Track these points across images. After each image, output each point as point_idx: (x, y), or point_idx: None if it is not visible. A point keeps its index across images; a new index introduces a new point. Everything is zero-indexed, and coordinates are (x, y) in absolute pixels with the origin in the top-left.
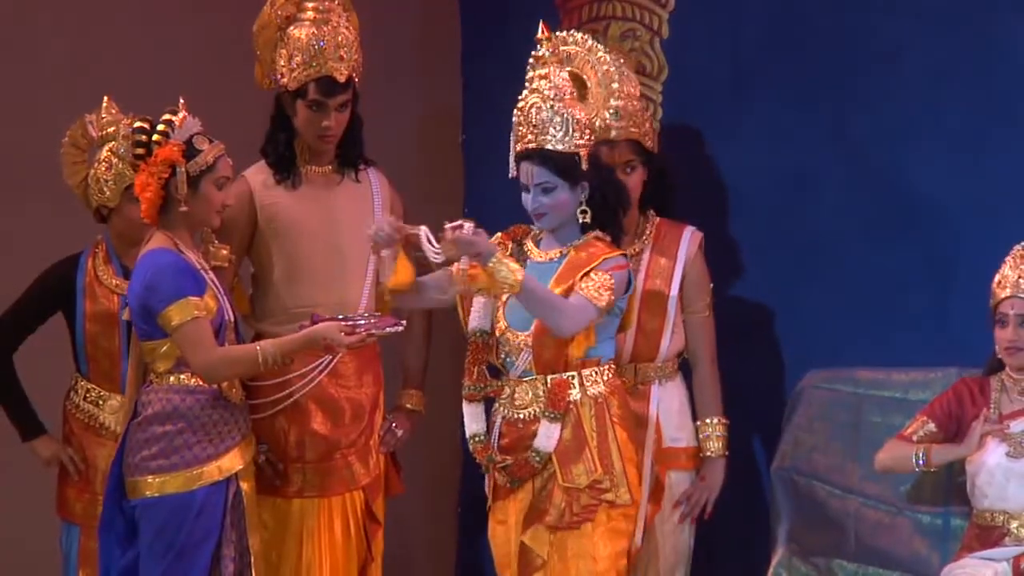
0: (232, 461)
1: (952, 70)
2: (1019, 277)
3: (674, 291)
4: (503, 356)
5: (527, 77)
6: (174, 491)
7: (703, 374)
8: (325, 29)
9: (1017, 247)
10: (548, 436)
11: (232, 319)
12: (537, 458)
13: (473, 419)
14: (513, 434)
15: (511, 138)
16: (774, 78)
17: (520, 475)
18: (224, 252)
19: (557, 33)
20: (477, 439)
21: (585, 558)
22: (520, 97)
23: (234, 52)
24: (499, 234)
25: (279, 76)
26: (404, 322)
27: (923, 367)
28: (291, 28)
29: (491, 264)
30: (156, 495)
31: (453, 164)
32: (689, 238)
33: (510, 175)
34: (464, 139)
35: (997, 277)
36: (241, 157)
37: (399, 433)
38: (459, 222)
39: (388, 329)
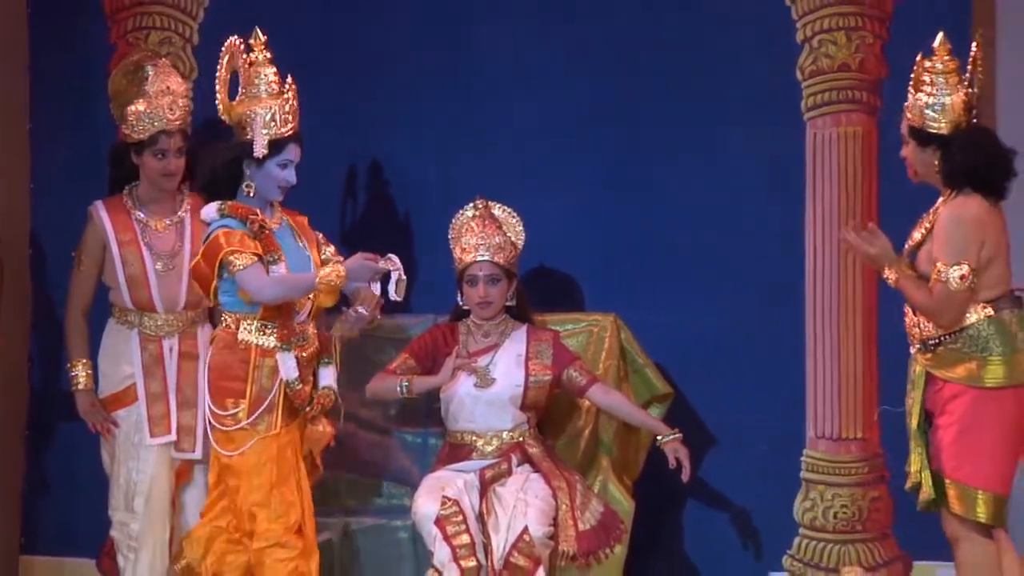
0: None
1: (433, 68)
2: (479, 243)
3: None
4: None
5: (264, 74)
6: None
7: None
8: None
9: (464, 217)
10: (329, 375)
11: None
12: (334, 394)
13: (291, 368)
14: (304, 369)
15: (263, 124)
16: (294, 76)
17: (322, 408)
18: None
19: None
20: (295, 385)
21: None
22: (269, 91)
23: None
24: (240, 232)
25: None
26: None
27: (407, 314)
28: None
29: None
30: None
31: (20, 149)
32: None
33: (259, 154)
34: (31, 127)
35: (459, 245)
36: None
37: None
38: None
39: None
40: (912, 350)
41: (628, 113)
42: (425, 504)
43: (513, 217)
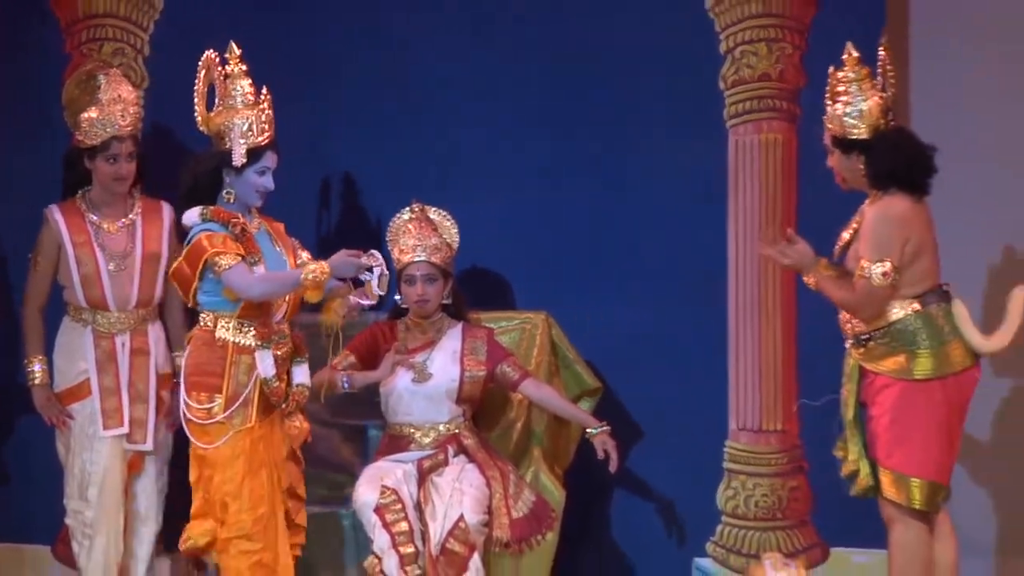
0: None
1: (373, 75)
2: (416, 244)
3: (166, 251)
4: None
5: (239, 86)
6: None
7: (176, 313)
8: None
9: (400, 220)
10: (303, 373)
11: None
12: (307, 391)
13: (268, 366)
14: (280, 367)
15: (241, 134)
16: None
17: (297, 404)
18: None
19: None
20: (272, 382)
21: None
22: (245, 101)
23: None
24: (222, 235)
25: None
26: None
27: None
28: None
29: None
30: None
31: None
32: (168, 211)
33: (238, 163)
34: None
35: (397, 247)
36: None
37: None
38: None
39: None
40: (846, 344)
41: (559, 120)
42: (366, 493)
43: (448, 220)
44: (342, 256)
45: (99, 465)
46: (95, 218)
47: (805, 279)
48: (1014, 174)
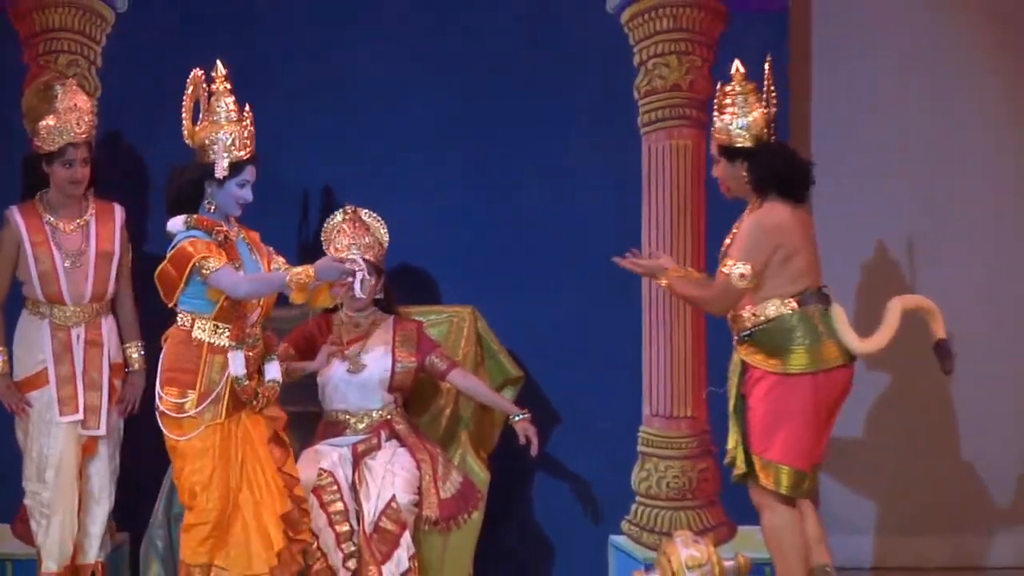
0: None
1: (313, 85)
2: (351, 243)
3: (118, 249)
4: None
5: (224, 103)
6: None
7: (128, 307)
8: None
9: (335, 221)
10: (274, 369)
11: None
12: (278, 387)
13: (240, 365)
14: (251, 366)
15: (224, 148)
16: (177, 96)
17: (267, 400)
18: None
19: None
20: (243, 381)
21: None
22: (229, 117)
23: None
24: (205, 241)
25: None
26: None
27: (297, 307)
28: None
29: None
30: None
31: None
32: (119, 211)
33: (220, 175)
34: None
35: (332, 246)
36: None
37: None
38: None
39: None
40: (734, 341)
41: (483, 127)
42: (304, 475)
43: (378, 221)
44: (327, 261)
45: (56, 449)
46: (52, 219)
47: (657, 283)
48: (906, 181)
